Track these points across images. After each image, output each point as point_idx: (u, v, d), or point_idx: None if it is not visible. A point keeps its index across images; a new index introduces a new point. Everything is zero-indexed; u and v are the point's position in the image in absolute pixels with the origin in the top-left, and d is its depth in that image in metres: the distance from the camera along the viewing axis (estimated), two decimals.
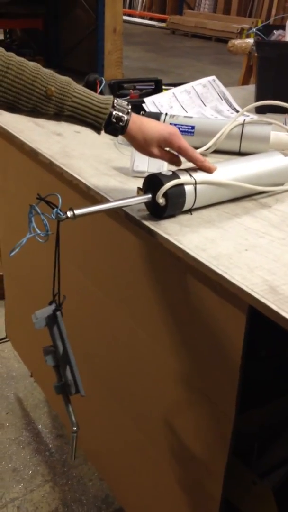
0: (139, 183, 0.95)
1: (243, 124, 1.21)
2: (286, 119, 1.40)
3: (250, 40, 2.91)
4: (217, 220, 0.94)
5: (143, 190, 0.93)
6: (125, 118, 0.90)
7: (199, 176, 0.93)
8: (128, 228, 1.01)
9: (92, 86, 1.42)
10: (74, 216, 0.81)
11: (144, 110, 1.39)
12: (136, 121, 0.92)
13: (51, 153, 1.20)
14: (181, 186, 0.91)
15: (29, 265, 1.53)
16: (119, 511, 1.49)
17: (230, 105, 1.54)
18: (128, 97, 1.47)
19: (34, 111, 0.87)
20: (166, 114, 1.27)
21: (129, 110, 0.91)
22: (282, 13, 9.56)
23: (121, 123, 0.90)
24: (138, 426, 1.18)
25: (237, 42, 2.92)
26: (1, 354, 2.08)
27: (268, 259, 0.82)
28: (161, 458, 1.11)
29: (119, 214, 0.98)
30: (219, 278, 0.78)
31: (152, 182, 0.91)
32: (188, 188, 0.91)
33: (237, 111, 1.52)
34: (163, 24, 11.76)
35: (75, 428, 0.86)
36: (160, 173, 0.91)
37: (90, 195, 1.05)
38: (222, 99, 1.55)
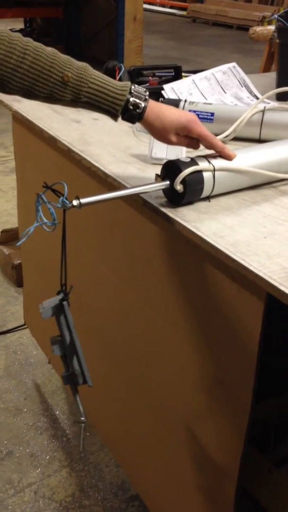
0: (157, 170, 0.95)
1: (263, 111, 1.19)
2: None
3: (272, 27, 2.86)
4: (235, 207, 0.93)
5: (161, 177, 0.93)
6: (143, 105, 0.89)
7: (218, 162, 0.92)
8: (146, 216, 1.01)
9: (111, 73, 1.41)
10: (80, 205, 0.80)
11: (163, 97, 1.38)
12: (154, 108, 0.91)
13: (69, 140, 1.20)
14: (199, 172, 0.90)
15: (47, 252, 1.54)
16: (135, 497, 1.50)
17: (251, 92, 1.52)
18: (147, 84, 1.46)
19: (51, 97, 0.87)
20: (185, 100, 1.26)
21: (147, 97, 0.90)
22: None
23: (138, 110, 0.89)
24: (155, 414, 1.18)
25: (259, 29, 2.87)
26: (20, 340, 2.10)
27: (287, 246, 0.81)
28: (178, 446, 1.11)
29: (137, 202, 0.97)
30: (237, 265, 0.77)
31: (170, 169, 0.90)
32: (207, 175, 0.91)
33: (258, 98, 1.50)
34: (183, 12, 11.64)
35: (83, 419, 0.86)
36: (178, 160, 0.90)
37: (108, 182, 1.05)
38: (242, 86, 1.53)
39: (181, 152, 1.06)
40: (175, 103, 1.26)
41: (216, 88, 1.48)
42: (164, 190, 0.93)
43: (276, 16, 1.98)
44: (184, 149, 1.06)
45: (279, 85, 1.62)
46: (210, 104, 1.28)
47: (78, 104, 0.88)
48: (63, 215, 0.82)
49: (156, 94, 1.35)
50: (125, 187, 0.98)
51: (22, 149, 1.58)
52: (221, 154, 0.94)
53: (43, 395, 1.85)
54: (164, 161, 0.94)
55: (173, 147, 1.03)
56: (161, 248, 1.00)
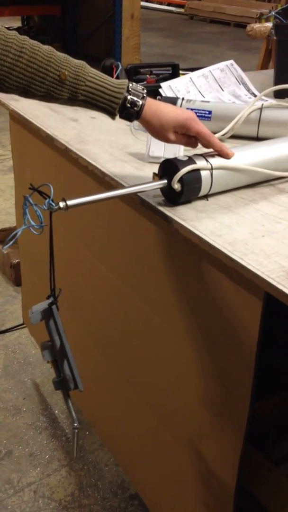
0: (155, 168, 0.94)
1: (261, 109, 1.19)
2: None
3: (269, 24, 2.85)
4: (233, 205, 0.93)
5: (158, 176, 0.92)
6: (140, 103, 0.89)
7: (216, 161, 0.92)
8: (144, 214, 1.00)
9: (108, 71, 1.41)
10: (67, 207, 0.79)
11: (160, 95, 1.37)
12: (152, 106, 0.91)
13: (67, 139, 1.20)
14: (197, 171, 0.89)
15: (46, 251, 1.53)
16: (135, 496, 1.50)
17: (248, 89, 1.52)
18: (145, 82, 1.46)
19: (48, 96, 0.86)
20: (182, 99, 1.26)
21: (145, 95, 0.90)
22: None
23: (135, 108, 0.89)
24: (153, 412, 1.18)
25: (256, 26, 2.86)
26: (18, 340, 2.09)
27: (286, 245, 0.81)
28: (177, 445, 1.11)
29: (135, 200, 0.97)
30: (235, 264, 0.77)
31: (168, 168, 0.90)
32: (204, 174, 0.90)
33: (255, 96, 1.49)
34: (181, 10, 11.62)
35: (76, 425, 0.85)
36: (176, 158, 0.90)
37: (105, 181, 1.05)
38: (240, 84, 1.52)
39: (179, 151, 1.06)
40: (172, 101, 1.25)
41: (214, 86, 1.48)
42: (162, 189, 0.92)
43: (273, 13, 1.97)
44: (181, 147, 1.05)
45: (276, 82, 1.62)
46: (208, 102, 1.28)
47: (75, 103, 0.88)
48: (49, 218, 0.81)
49: (154, 92, 1.34)
50: (122, 186, 0.98)
51: (20, 147, 1.57)
52: (219, 153, 0.93)
53: (42, 394, 1.85)
54: (162, 159, 0.94)
55: (170, 145, 1.02)
56: (159, 247, 1.00)
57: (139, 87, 0.90)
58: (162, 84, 1.41)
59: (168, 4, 12.35)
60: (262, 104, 1.20)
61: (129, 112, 0.89)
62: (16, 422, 1.73)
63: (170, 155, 1.03)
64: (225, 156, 0.93)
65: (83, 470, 1.58)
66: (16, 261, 2.30)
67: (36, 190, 0.78)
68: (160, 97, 1.32)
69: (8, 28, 0.85)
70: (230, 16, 10.38)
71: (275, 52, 1.75)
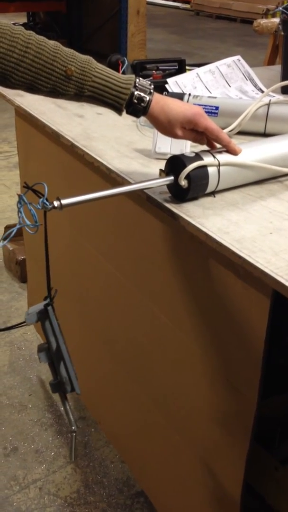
0: (161, 165, 0.94)
1: (268, 105, 1.18)
2: None
3: (276, 20, 2.84)
4: (241, 202, 0.92)
5: (165, 172, 0.91)
6: (147, 99, 0.88)
7: (223, 157, 0.91)
8: (150, 211, 1.00)
9: (114, 67, 1.40)
10: (61, 206, 0.78)
11: (167, 90, 1.36)
12: (159, 102, 0.90)
13: (72, 135, 1.19)
14: (204, 167, 0.89)
15: (51, 248, 1.53)
16: (140, 494, 1.50)
17: (256, 85, 1.51)
18: (151, 77, 1.45)
19: (54, 92, 0.86)
20: (189, 94, 1.25)
21: (152, 90, 0.89)
22: None
23: (142, 104, 0.88)
24: (159, 410, 1.17)
25: (263, 21, 2.85)
26: (24, 336, 2.09)
27: None
28: (183, 442, 1.11)
29: (141, 197, 0.96)
30: (243, 261, 0.76)
31: (175, 164, 0.89)
32: (212, 170, 0.89)
33: (263, 92, 1.48)
34: (187, 6, 11.58)
35: (73, 428, 0.84)
36: (182, 155, 0.89)
37: (111, 178, 1.04)
38: (247, 79, 1.51)
39: (186, 147, 1.05)
40: (179, 96, 1.24)
41: (221, 82, 1.47)
42: (168, 186, 0.92)
43: (280, 8, 1.95)
44: (188, 143, 1.05)
45: (284, 78, 1.60)
46: (215, 97, 1.27)
47: (81, 98, 0.87)
48: (43, 217, 0.80)
49: (160, 88, 1.33)
50: (129, 183, 0.97)
51: (25, 144, 1.57)
52: (227, 149, 0.92)
53: (48, 391, 1.85)
54: (168, 156, 0.93)
55: (177, 141, 1.01)
56: (166, 244, 0.99)
57: (146, 82, 0.89)
58: (168, 80, 1.40)
59: (174, 0, 12.31)
60: (270, 100, 1.19)
61: (136, 108, 0.88)
62: (21, 418, 1.73)
63: (177, 151, 1.02)
64: (233, 152, 0.92)
65: (89, 467, 1.58)
66: (22, 257, 2.29)
67: (30, 188, 0.77)
68: (166, 93, 1.31)
69: (14, 24, 0.84)
70: (236, 12, 10.34)
71: (282, 47, 1.74)
